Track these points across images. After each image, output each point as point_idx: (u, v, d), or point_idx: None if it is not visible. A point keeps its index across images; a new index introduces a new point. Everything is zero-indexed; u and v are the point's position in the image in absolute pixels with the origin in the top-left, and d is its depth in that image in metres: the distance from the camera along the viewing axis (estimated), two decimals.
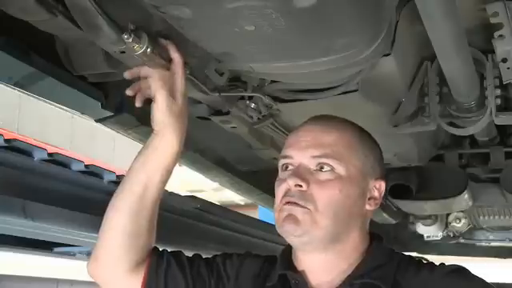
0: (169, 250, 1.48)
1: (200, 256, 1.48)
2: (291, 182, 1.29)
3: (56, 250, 2.51)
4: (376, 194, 1.37)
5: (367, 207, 1.35)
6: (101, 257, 1.42)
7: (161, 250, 1.47)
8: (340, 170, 1.30)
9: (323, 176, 1.29)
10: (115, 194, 1.43)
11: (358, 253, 1.34)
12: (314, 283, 1.33)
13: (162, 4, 1.15)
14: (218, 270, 1.42)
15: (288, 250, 1.39)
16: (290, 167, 1.33)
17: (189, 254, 1.50)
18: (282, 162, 1.35)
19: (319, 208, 1.27)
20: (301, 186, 1.28)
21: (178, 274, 1.41)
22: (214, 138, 2.34)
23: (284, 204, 1.30)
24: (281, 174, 1.35)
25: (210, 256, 1.48)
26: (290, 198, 1.29)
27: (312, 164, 1.30)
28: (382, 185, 1.38)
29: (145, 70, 1.36)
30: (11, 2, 1.21)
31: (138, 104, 1.37)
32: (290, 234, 1.30)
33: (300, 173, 1.29)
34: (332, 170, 1.30)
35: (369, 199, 1.35)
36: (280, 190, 1.32)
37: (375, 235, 1.40)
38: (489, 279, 1.32)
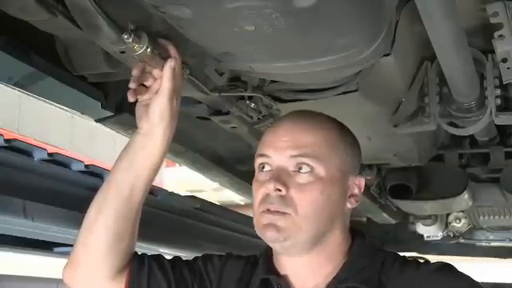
0: (149, 254, 1.44)
1: (181, 259, 1.45)
2: (271, 187, 1.25)
3: (56, 249, 2.50)
4: (356, 190, 1.34)
5: (348, 205, 1.33)
6: (81, 262, 1.36)
7: (141, 254, 1.43)
8: (320, 170, 1.26)
9: (303, 178, 1.26)
10: (99, 195, 1.37)
11: (341, 253, 1.32)
12: (297, 287, 1.31)
13: (161, 4, 1.15)
14: (200, 274, 1.39)
15: (269, 252, 1.37)
16: (267, 167, 1.29)
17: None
18: (259, 160, 1.31)
19: (300, 212, 1.24)
20: (280, 190, 1.24)
21: (161, 278, 1.37)
22: (213, 138, 2.34)
23: (263, 211, 1.26)
24: (258, 175, 1.30)
25: (190, 259, 1.45)
26: (270, 206, 1.25)
27: (291, 165, 1.27)
28: (362, 181, 1.35)
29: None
30: (11, 1, 1.21)
31: (131, 99, 1.32)
32: (272, 242, 1.27)
33: (279, 176, 1.25)
34: (312, 170, 1.26)
35: (349, 197, 1.33)
36: (258, 194, 1.28)
37: (357, 232, 1.37)
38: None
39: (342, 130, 1.36)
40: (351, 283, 1.27)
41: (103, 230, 1.34)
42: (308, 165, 1.26)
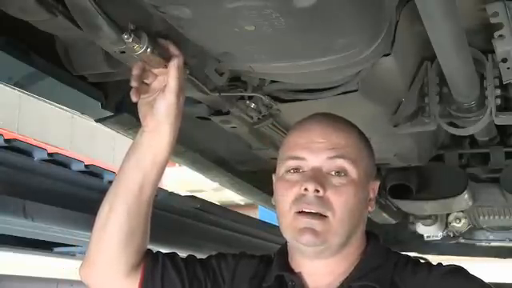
0: (163, 252, 1.45)
1: (194, 257, 1.46)
2: (311, 188, 1.24)
3: (56, 249, 2.51)
4: (372, 195, 1.36)
5: (369, 209, 1.35)
6: (96, 260, 1.38)
7: (155, 252, 1.44)
8: (353, 173, 1.28)
9: (338, 180, 1.27)
10: (110, 194, 1.38)
11: (356, 254, 1.33)
12: (311, 285, 1.32)
13: (161, 4, 1.15)
14: (213, 272, 1.40)
15: (284, 249, 1.38)
16: (301, 169, 1.29)
17: (189, 254, 1.49)
18: (291, 162, 1.30)
19: (337, 214, 1.26)
20: (319, 191, 1.25)
21: (175, 276, 1.39)
22: (213, 138, 2.34)
23: (298, 213, 1.26)
24: (287, 176, 1.30)
25: (203, 257, 1.46)
26: (306, 206, 1.25)
27: (326, 167, 1.28)
28: (377, 185, 1.37)
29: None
30: (11, 1, 1.21)
31: (135, 99, 1.31)
32: (308, 246, 1.27)
33: (318, 177, 1.26)
34: (346, 173, 1.28)
35: (369, 201, 1.35)
36: (290, 194, 1.28)
37: (372, 234, 1.39)
38: (489, 279, 1.32)
39: (363, 134, 1.38)
40: (364, 282, 1.28)
41: (116, 227, 1.35)
42: (344, 168, 1.28)
